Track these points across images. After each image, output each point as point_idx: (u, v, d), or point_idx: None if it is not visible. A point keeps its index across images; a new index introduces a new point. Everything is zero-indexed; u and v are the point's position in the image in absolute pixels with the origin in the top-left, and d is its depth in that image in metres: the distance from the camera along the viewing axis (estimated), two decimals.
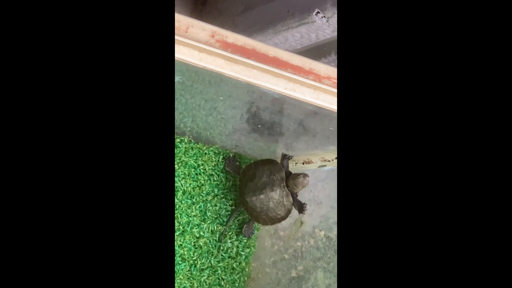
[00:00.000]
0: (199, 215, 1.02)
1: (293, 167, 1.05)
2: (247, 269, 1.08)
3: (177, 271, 0.98)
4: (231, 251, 1.06)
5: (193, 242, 1.01)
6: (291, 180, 0.97)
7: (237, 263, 1.06)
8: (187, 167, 1.02)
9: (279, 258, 1.06)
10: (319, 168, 1.01)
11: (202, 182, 1.04)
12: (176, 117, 0.90)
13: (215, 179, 1.06)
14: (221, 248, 1.05)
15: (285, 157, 1.00)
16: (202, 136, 1.02)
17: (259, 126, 0.88)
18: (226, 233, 1.06)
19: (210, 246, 1.03)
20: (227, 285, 1.04)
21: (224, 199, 1.06)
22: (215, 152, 1.06)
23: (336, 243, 0.97)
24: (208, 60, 0.59)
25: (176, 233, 0.99)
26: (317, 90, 0.63)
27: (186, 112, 0.88)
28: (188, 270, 1.00)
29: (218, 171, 1.06)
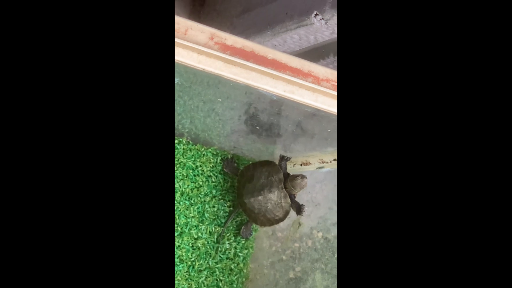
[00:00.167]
0: (197, 216, 1.03)
1: (291, 169, 1.05)
2: (245, 270, 1.08)
3: (175, 272, 0.98)
4: (229, 252, 1.06)
5: (191, 243, 1.01)
6: (289, 182, 0.97)
7: (235, 264, 1.06)
8: (185, 168, 1.02)
9: (277, 259, 1.06)
10: (317, 170, 1.01)
11: (200, 183, 1.04)
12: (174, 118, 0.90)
13: (213, 180, 1.06)
14: (219, 249, 1.05)
15: (283, 159, 1.00)
16: (200, 138, 1.02)
17: (257, 127, 0.89)
18: (224, 234, 1.06)
19: (208, 247, 1.03)
20: (225, 286, 1.04)
21: (222, 200, 1.06)
22: (213, 154, 1.07)
23: (334, 244, 0.97)
24: (207, 62, 0.59)
25: (175, 234, 0.99)
26: (316, 92, 0.63)
27: (184, 113, 0.88)
28: (186, 271, 1.00)
29: (216, 172, 1.06)
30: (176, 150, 1.01)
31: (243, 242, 1.08)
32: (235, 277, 1.06)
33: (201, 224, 1.03)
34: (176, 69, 0.63)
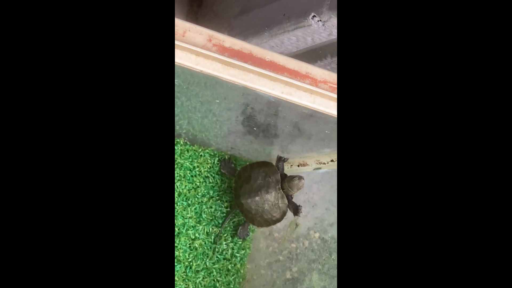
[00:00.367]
0: (195, 217, 1.03)
1: (288, 170, 1.06)
2: (242, 271, 1.08)
3: None
4: (226, 253, 1.06)
5: (189, 244, 1.01)
6: (286, 183, 0.97)
7: (232, 265, 1.07)
8: (183, 169, 1.02)
9: (274, 259, 1.07)
10: (314, 171, 1.02)
11: (198, 184, 1.04)
12: None
13: (211, 181, 1.06)
14: (216, 250, 1.05)
15: (281, 160, 1.00)
16: (198, 138, 1.03)
17: (254, 128, 0.89)
18: (221, 235, 1.06)
19: (205, 247, 1.03)
20: (222, 287, 1.04)
21: (219, 201, 1.07)
22: (210, 154, 1.07)
23: (331, 245, 0.97)
24: (205, 64, 0.59)
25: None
26: (314, 94, 0.63)
27: (181, 114, 0.88)
28: (184, 272, 1.00)
29: (213, 173, 1.07)
30: None
31: (240, 242, 1.08)
32: (232, 277, 1.06)
33: (198, 225, 1.03)
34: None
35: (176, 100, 0.80)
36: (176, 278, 0.98)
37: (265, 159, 1.06)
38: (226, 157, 1.08)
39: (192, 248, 1.02)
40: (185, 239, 1.00)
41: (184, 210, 1.01)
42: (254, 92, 0.63)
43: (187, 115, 0.89)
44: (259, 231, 1.11)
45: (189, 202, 1.02)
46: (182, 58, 0.58)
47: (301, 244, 1.03)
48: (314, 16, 0.79)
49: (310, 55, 0.91)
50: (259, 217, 1.00)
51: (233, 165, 1.07)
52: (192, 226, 1.02)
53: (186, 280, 1.00)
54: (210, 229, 1.04)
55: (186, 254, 1.00)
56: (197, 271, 1.02)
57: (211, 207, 1.05)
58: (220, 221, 1.06)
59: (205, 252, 1.03)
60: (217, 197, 1.07)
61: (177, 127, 0.96)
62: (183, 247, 1.00)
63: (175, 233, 1.00)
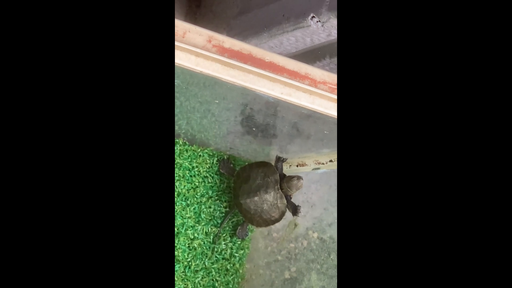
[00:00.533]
0: (194, 217, 1.03)
1: (287, 170, 1.06)
2: (241, 271, 1.08)
3: None
4: (225, 253, 1.06)
5: (188, 244, 1.01)
6: (285, 183, 0.97)
7: (231, 265, 1.07)
8: (182, 169, 1.03)
9: (273, 259, 1.07)
10: (313, 171, 1.02)
11: (197, 184, 1.04)
12: None
13: (210, 181, 1.06)
14: (215, 249, 1.05)
15: (279, 160, 1.00)
16: (197, 138, 1.03)
17: (253, 128, 0.89)
18: (220, 234, 1.06)
19: (204, 247, 1.03)
20: (221, 287, 1.04)
21: (218, 201, 1.07)
22: (209, 154, 1.07)
23: (329, 245, 0.98)
24: (205, 65, 0.59)
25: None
26: (313, 95, 0.63)
27: (181, 114, 0.89)
28: (183, 272, 1.00)
29: (212, 173, 1.07)
30: None
31: (239, 242, 1.09)
32: (231, 277, 1.06)
33: (197, 225, 1.03)
34: None
35: (175, 100, 0.80)
36: (175, 278, 0.99)
37: (264, 159, 1.06)
38: (225, 157, 1.08)
39: (191, 248, 1.02)
40: (184, 239, 1.01)
41: (183, 210, 1.01)
42: (252, 92, 0.63)
43: (186, 115, 0.89)
44: (258, 231, 1.11)
45: (188, 202, 1.02)
46: (182, 59, 0.58)
47: (300, 244, 1.04)
48: (313, 17, 0.79)
49: (309, 56, 0.91)
50: (258, 217, 1.00)
51: (232, 165, 1.07)
52: (191, 226, 1.02)
53: (185, 280, 1.00)
54: (209, 229, 1.05)
55: (185, 254, 1.00)
56: (196, 271, 1.02)
57: (210, 207, 1.05)
58: (219, 221, 1.06)
59: (204, 252, 1.03)
60: (216, 197, 1.07)
61: (176, 127, 0.96)
62: (182, 247, 1.00)
63: (175, 233, 1.00)
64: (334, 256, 0.96)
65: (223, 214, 1.07)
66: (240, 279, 1.08)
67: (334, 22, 0.78)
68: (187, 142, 1.04)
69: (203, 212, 1.04)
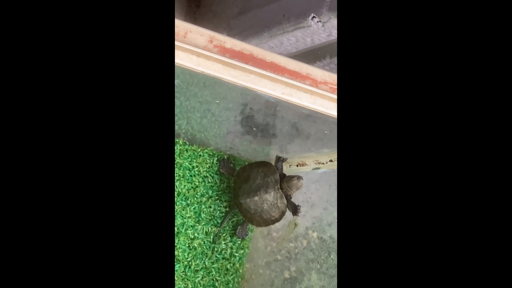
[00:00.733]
0: (194, 216, 1.03)
1: (287, 170, 1.06)
2: (241, 270, 1.08)
3: None
4: (225, 253, 1.06)
5: (188, 244, 1.01)
6: (285, 182, 0.97)
7: (231, 264, 1.07)
8: (182, 169, 1.03)
9: (273, 259, 1.07)
10: (312, 171, 1.02)
11: (197, 183, 1.04)
12: None
13: (210, 181, 1.06)
14: (215, 249, 1.05)
15: (279, 159, 1.00)
16: (197, 138, 1.03)
17: (253, 128, 0.89)
18: (220, 234, 1.06)
19: (204, 247, 1.04)
20: (221, 286, 1.04)
21: (218, 200, 1.07)
22: (209, 154, 1.07)
23: (329, 244, 0.98)
24: (206, 65, 0.59)
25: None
26: (314, 95, 0.63)
27: (181, 114, 0.89)
28: (183, 271, 1.00)
29: (212, 173, 1.07)
30: None
31: (239, 242, 1.09)
32: (231, 277, 1.06)
33: (197, 224, 1.03)
34: None
35: (175, 100, 0.80)
36: (175, 277, 0.99)
37: (264, 159, 1.06)
38: (225, 157, 1.08)
39: (191, 247, 1.02)
40: (184, 238, 1.01)
41: (183, 210, 1.01)
42: (252, 92, 0.63)
43: (186, 115, 0.89)
44: (258, 230, 1.11)
45: (188, 201, 1.03)
46: (183, 59, 0.58)
47: (300, 243, 1.04)
48: (313, 17, 0.79)
49: (309, 56, 0.92)
50: (258, 217, 1.00)
51: (232, 165, 1.07)
52: (191, 226, 1.02)
53: (185, 280, 1.00)
54: (209, 228, 1.05)
55: (185, 254, 1.01)
56: (196, 271, 1.02)
57: (210, 207, 1.05)
58: (219, 221, 1.06)
59: (204, 251, 1.03)
60: (216, 197, 1.07)
61: (176, 127, 0.96)
62: (182, 246, 1.00)
63: (175, 233, 1.00)
64: (334, 256, 0.96)
65: (223, 214, 1.07)
66: (240, 279, 1.08)
67: (334, 22, 0.78)
68: (187, 142, 1.04)
69: (203, 212, 1.04)
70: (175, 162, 1.02)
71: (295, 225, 1.05)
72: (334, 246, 0.97)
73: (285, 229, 1.07)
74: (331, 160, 0.97)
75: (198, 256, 1.02)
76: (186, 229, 1.01)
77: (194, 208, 1.03)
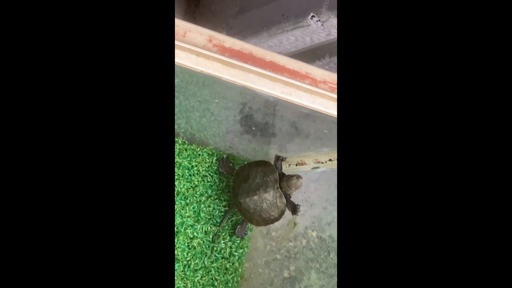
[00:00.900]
0: (193, 216, 1.03)
1: (286, 169, 1.06)
2: (240, 270, 1.08)
3: None
4: (224, 252, 1.06)
5: (187, 243, 1.01)
6: (284, 182, 0.97)
7: (231, 264, 1.07)
8: (181, 168, 1.03)
9: (272, 258, 1.07)
10: (312, 170, 1.02)
11: (196, 183, 1.04)
12: None
13: (209, 180, 1.06)
14: (215, 248, 1.05)
15: (279, 159, 1.00)
16: (196, 138, 1.03)
17: (252, 127, 0.89)
18: (220, 233, 1.06)
19: (203, 246, 1.04)
20: (221, 286, 1.04)
21: (217, 200, 1.07)
22: (208, 154, 1.07)
23: (328, 244, 0.98)
24: (206, 65, 0.59)
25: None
26: (313, 94, 0.63)
27: (180, 113, 0.88)
28: (182, 271, 1.00)
29: (211, 172, 1.07)
30: None
31: (238, 241, 1.09)
32: (230, 276, 1.06)
33: (196, 224, 1.03)
34: None
35: (174, 99, 0.80)
36: (174, 277, 0.99)
37: (263, 158, 1.06)
38: (224, 156, 1.08)
39: (190, 247, 1.02)
40: (183, 238, 1.01)
41: (182, 209, 1.01)
42: (251, 91, 0.63)
43: (185, 114, 0.89)
44: (257, 230, 1.11)
45: (188, 201, 1.03)
46: (182, 58, 0.58)
47: (299, 243, 1.04)
48: (313, 16, 0.79)
49: (309, 55, 0.92)
50: (257, 216, 1.00)
51: (231, 164, 1.07)
52: (191, 225, 1.02)
53: (185, 279, 1.00)
54: (209, 228, 1.05)
55: (185, 253, 1.01)
56: (196, 270, 1.02)
57: (209, 206, 1.05)
58: (218, 220, 1.06)
59: (203, 251, 1.03)
60: (216, 196, 1.07)
61: (175, 127, 0.96)
62: (182, 246, 1.00)
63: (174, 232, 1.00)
64: (333, 255, 0.96)
65: (223, 213, 1.07)
66: (239, 278, 1.08)
67: (334, 21, 0.78)
68: (186, 141, 1.04)
69: (202, 211, 1.04)
70: (175, 161, 1.02)
71: (295, 224, 1.05)
72: (333, 245, 0.97)
73: (285, 228, 1.07)
74: (330, 159, 0.97)
75: (197, 256, 1.02)
76: (185, 229, 1.01)
77: (193, 208, 1.03)
